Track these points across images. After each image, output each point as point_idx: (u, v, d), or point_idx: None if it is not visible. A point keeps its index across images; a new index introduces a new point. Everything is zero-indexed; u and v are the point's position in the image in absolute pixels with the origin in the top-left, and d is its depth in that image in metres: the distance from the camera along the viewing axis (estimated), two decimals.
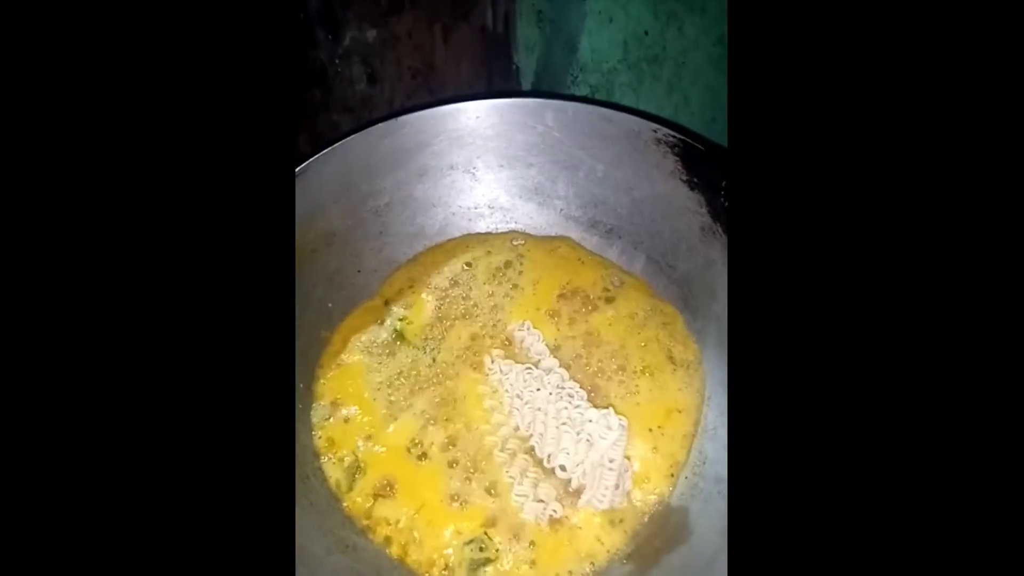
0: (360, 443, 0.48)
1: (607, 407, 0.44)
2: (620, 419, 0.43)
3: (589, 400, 0.46)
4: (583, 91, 0.72)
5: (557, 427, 0.45)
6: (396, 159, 0.56)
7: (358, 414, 0.49)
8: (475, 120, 0.56)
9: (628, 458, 0.46)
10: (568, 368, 0.50)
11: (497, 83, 0.78)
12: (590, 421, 0.44)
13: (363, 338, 0.53)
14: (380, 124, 0.54)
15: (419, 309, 0.55)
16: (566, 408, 0.45)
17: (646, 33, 0.68)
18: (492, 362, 0.51)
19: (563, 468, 0.45)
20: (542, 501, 0.45)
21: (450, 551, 0.44)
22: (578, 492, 0.45)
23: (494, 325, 0.54)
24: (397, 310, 0.54)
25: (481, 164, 0.59)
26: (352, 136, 0.53)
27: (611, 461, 0.43)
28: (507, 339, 0.53)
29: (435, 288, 0.56)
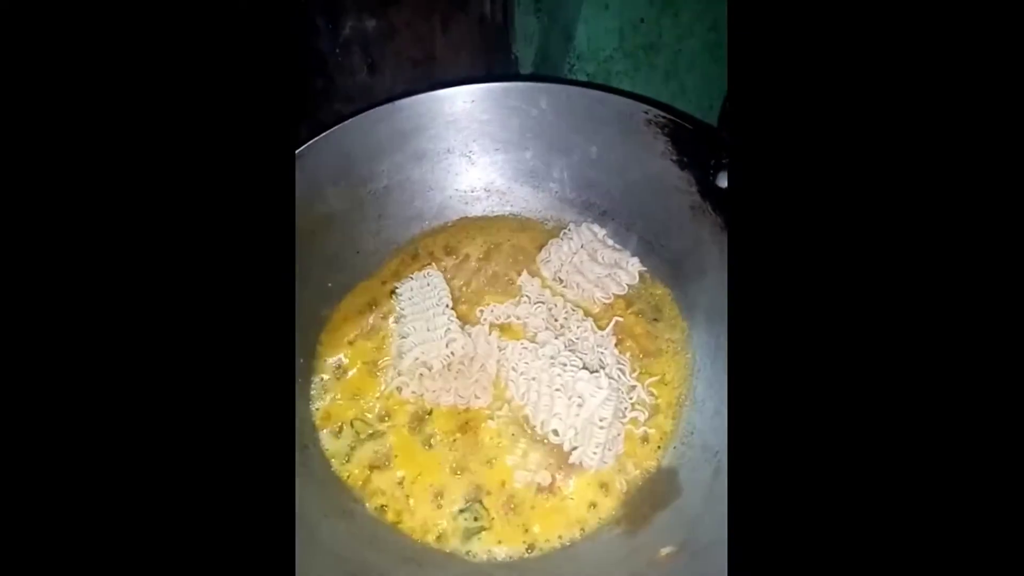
0: (356, 415, 0.49)
1: (598, 371, 0.45)
2: (610, 379, 0.44)
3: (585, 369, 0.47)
4: (580, 80, 0.72)
5: (551, 394, 0.46)
6: (393, 143, 0.57)
7: (356, 388, 0.51)
8: (471, 104, 0.57)
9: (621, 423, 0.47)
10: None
11: (497, 73, 0.79)
12: (582, 381, 0.45)
13: (361, 317, 0.54)
14: (377, 108, 0.55)
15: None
16: (559, 375, 0.46)
17: (642, 20, 0.69)
18: (490, 336, 0.52)
19: (556, 433, 0.46)
20: (531, 470, 0.46)
21: (444, 521, 0.45)
22: (569, 454, 0.46)
23: (492, 302, 0.55)
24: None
25: (477, 148, 0.60)
26: (349, 120, 0.55)
27: (601, 420, 0.44)
28: (505, 315, 0.54)
29: (433, 268, 0.57)
